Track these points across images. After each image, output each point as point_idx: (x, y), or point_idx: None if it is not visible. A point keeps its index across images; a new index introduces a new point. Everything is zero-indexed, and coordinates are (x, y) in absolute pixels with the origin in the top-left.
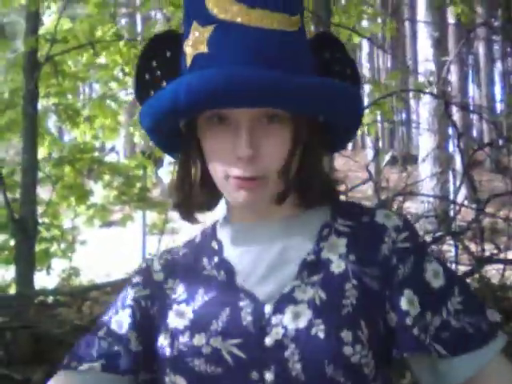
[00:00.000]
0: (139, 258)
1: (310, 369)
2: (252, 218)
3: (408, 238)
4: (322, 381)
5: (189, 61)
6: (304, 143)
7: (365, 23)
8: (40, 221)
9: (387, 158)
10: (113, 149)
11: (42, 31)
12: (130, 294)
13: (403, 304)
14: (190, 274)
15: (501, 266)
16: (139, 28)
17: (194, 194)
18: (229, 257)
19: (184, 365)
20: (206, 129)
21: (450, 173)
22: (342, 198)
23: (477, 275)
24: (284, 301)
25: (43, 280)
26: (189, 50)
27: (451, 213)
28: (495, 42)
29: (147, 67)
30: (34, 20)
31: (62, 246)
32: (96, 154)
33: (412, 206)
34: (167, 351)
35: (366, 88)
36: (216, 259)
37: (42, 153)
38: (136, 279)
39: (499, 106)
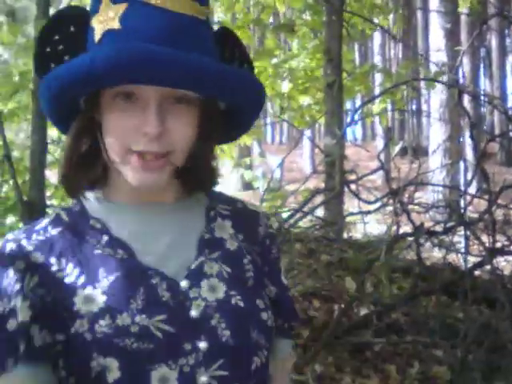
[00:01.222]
0: None
1: (237, 335)
2: (139, 199)
3: (271, 225)
4: (248, 344)
5: (98, 36)
6: (207, 127)
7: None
8: (48, 203)
9: (397, 148)
10: None
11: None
12: (21, 283)
13: (283, 279)
14: (79, 254)
15: (511, 258)
16: None
17: (83, 170)
18: (120, 236)
19: (114, 346)
20: (110, 105)
21: (461, 164)
22: (352, 186)
23: (488, 266)
24: (196, 275)
25: None
26: (98, 26)
27: (462, 204)
28: (507, 36)
29: (48, 40)
30: (45, 4)
31: None
32: None
33: (422, 197)
34: (88, 336)
35: (378, 77)
36: (106, 238)
37: (51, 136)
38: (19, 263)
39: (511, 99)
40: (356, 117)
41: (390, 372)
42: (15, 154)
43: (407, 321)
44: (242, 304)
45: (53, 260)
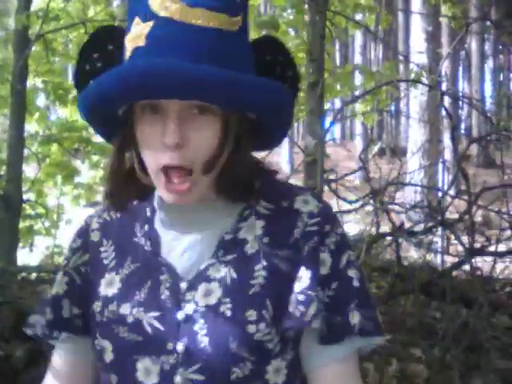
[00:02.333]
0: None
1: (215, 343)
2: None
3: (318, 222)
4: (226, 355)
5: (128, 54)
6: (234, 138)
7: (359, 16)
8: (25, 198)
9: (376, 149)
10: None
11: (33, 8)
12: (70, 261)
13: (302, 282)
14: (122, 239)
15: (490, 259)
16: None
17: (127, 184)
18: (158, 227)
19: (110, 331)
20: (139, 117)
21: (440, 165)
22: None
23: (467, 266)
24: (199, 278)
25: (26, 257)
26: (129, 43)
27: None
28: (487, 40)
29: (88, 58)
30: None
31: (47, 224)
32: (84, 133)
33: (401, 197)
34: (98, 317)
35: (359, 78)
36: (146, 227)
37: (31, 128)
38: (77, 243)
39: (488, 102)
40: (339, 116)
41: (368, 370)
42: None
43: (385, 319)
44: (228, 313)
45: (104, 241)
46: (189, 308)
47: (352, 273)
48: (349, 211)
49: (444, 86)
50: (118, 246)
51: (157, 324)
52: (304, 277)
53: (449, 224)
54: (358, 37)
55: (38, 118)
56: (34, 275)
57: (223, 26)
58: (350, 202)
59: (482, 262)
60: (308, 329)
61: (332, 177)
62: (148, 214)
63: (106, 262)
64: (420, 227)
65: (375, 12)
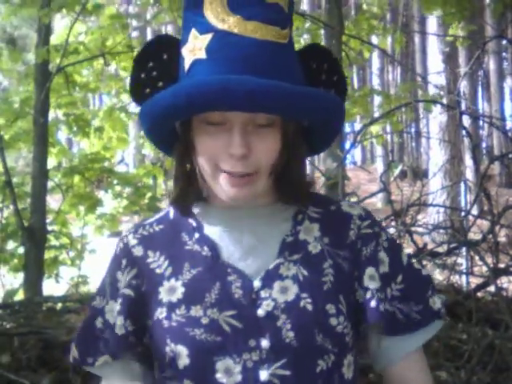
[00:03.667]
0: None
1: (301, 337)
2: (232, 203)
3: (370, 225)
4: (312, 347)
5: (187, 65)
6: (291, 145)
7: (374, 39)
8: (49, 229)
9: (397, 172)
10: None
11: (53, 42)
12: (121, 280)
13: (366, 281)
14: (172, 249)
15: None
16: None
17: (190, 189)
18: (209, 234)
19: (185, 334)
20: (201, 128)
21: (462, 185)
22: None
23: (492, 287)
24: (271, 276)
25: (52, 288)
26: (187, 54)
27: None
28: (505, 59)
29: (143, 67)
30: (46, 32)
31: (71, 254)
32: (106, 164)
33: (423, 219)
34: (165, 323)
35: (377, 100)
36: (197, 235)
37: (51, 162)
38: (122, 263)
39: (509, 123)
40: (358, 138)
41: None
42: (15, 180)
43: None
44: (310, 307)
45: (150, 253)
46: (267, 305)
47: (416, 265)
48: None
49: (463, 106)
50: (169, 256)
51: (234, 322)
52: (368, 277)
53: (472, 244)
54: (375, 59)
55: (57, 152)
56: (59, 305)
57: (278, 38)
58: None
59: (508, 283)
60: (377, 325)
61: (353, 199)
62: (194, 224)
63: (159, 271)
64: (443, 248)
65: (390, 33)
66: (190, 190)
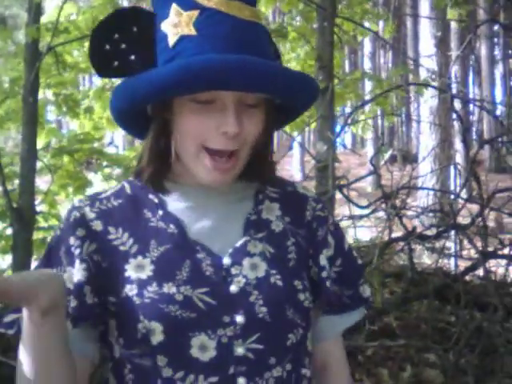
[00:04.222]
0: None
1: (273, 312)
2: (195, 182)
3: (322, 208)
4: (283, 322)
5: (172, 40)
6: (270, 125)
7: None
8: (38, 210)
9: (387, 156)
10: (111, 142)
11: (43, 21)
12: (81, 249)
13: (322, 260)
14: (135, 225)
15: (504, 263)
16: None
17: (165, 168)
18: (173, 211)
19: (159, 311)
20: (184, 106)
21: (451, 169)
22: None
23: (480, 270)
24: (239, 253)
25: None
26: (171, 29)
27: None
28: (496, 45)
29: (107, 38)
30: (37, 11)
31: None
32: (95, 144)
33: (413, 202)
34: (136, 300)
35: (368, 85)
36: (161, 212)
37: (40, 143)
38: (81, 232)
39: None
40: (348, 121)
41: (383, 376)
42: (4, 160)
43: (399, 325)
44: (280, 283)
45: (111, 229)
46: (239, 281)
47: (354, 253)
48: (361, 216)
49: (454, 90)
50: (133, 233)
51: (208, 299)
52: (322, 256)
53: (461, 227)
54: (367, 43)
55: (46, 132)
56: None
57: (257, 18)
58: (362, 208)
59: (496, 266)
60: (322, 302)
61: (343, 182)
62: (156, 200)
63: (123, 248)
64: (432, 231)
65: (383, 18)
66: (163, 169)
